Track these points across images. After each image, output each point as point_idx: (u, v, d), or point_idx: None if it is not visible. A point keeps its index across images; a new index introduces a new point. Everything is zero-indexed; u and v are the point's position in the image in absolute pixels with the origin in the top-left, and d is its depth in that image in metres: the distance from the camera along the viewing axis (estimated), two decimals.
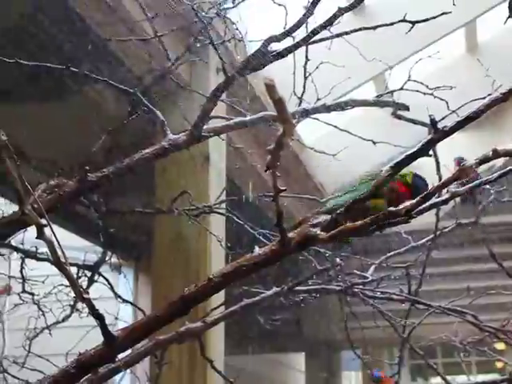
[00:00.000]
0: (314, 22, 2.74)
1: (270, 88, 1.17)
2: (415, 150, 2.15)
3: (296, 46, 2.58)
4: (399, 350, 4.41)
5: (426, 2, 3.12)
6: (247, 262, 2.17)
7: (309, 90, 3.55)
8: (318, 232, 2.07)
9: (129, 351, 3.02)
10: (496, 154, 1.69)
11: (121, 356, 2.99)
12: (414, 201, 1.93)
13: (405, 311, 4.23)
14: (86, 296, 2.04)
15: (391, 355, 10.86)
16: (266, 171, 1.53)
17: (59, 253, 1.84)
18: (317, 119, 3.37)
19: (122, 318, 4.84)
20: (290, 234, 2.12)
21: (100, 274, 4.14)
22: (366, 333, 4.72)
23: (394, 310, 4.38)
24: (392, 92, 3.22)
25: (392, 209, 1.92)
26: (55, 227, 1.85)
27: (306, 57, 3.23)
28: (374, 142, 3.50)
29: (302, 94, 3.22)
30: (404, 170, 2.38)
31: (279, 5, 3.10)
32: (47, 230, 1.78)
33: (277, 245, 2.14)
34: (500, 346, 5.84)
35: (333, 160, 4.17)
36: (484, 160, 1.72)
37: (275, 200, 1.90)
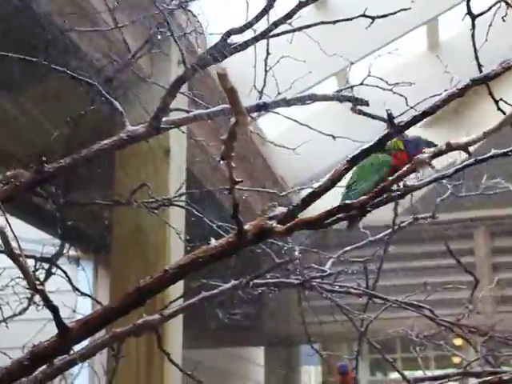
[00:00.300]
0: (275, 15, 2.75)
1: (222, 77, 1.17)
2: (371, 143, 2.17)
3: (256, 38, 2.58)
4: (357, 344, 4.44)
5: None
6: (203, 253, 2.18)
7: (270, 84, 3.56)
8: (275, 224, 2.08)
9: (85, 343, 3.01)
10: (449, 148, 1.71)
11: (77, 349, 2.99)
12: (370, 194, 1.95)
13: (362, 305, 4.26)
14: (39, 287, 2.03)
15: (350, 350, 10.92)
16: (219, 162, 1.53)
17: (13, 244, 1.82)
18: (277, 113, 3.37)
19: (81, 311, 4.80)
20: (247, 226, 2.12)
21: (58, 267, 4.11)
22: (325, 327, 4.74)
23: (352, 305, 4.41)
24: (352, 87, 3.24)
25: (347, 202, 1.93)
26: (13, 219, 1.84)
27: (267, 50, 3.24)
28: (334, 137, 3.51)
29: (263, 88, 3.23)
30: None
31: None
32: (0, 220, 1.76)
33: (233, 237, 2.15)
34: (458, 341, 5.90)
35: (293, 154, 4.18)
36: (438, 153, 1.74)
37: (231, 192, 1.91)
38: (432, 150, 1.76)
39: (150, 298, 2.29)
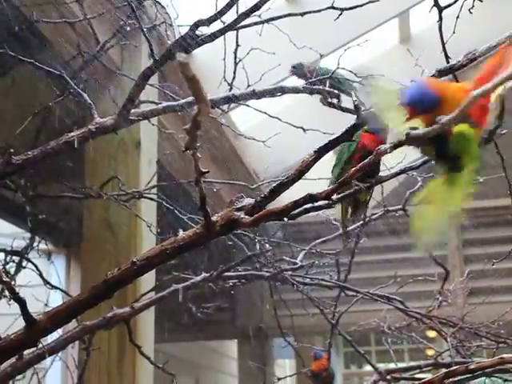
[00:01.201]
0: (245, 6, 2.75)
1: (184, 66, 1.16)
2: (339, 134, 2.18)
3: (224, 30, 2.58)
4: (328, 337, 4.46)
5: None
6: (171, 245, 2.17)
7: (240, 76, 3.56)
8: (242, 215, 2.08)
9: (55, 337, 3.00)
10: (409, 138, 1.72)
11: (47, 342, 2.97)
12: (334, 185, 1.95)
13: (335, 298, 4.28)
14: (5, 279, 2.02)
15: (325, 342, 10.94)
16: (184, 152, 1.52)
17: None
18: (247, 105, 3.37)
19: (53, 304, 4.77)
20: (214, 218, 2.12)
21: (28, 260, 4.08)
22: (298, 320, 4.76)
23: (324, 298, 4.43)
24: (321, 80, 3.24)
25: (312, 192, 1.93)
26: None
27: (237, 42, 3.23)
28: (304, 130, 3.52)
29: (233, 80, 3.22)
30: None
31: None
32: None
33: (201, 228, 2.14)
34: (431, 333, 5.94)
35: (266, 147, 4.18)
36: (398, 144, 1.74)
37: (198, 183, 1.90)
38: (393, 141, 1.76)
39: (117, 290, 2.28)
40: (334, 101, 3.23)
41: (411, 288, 4.78)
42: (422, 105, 1.94)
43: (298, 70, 3.68)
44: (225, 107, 3.44)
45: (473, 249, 7.59)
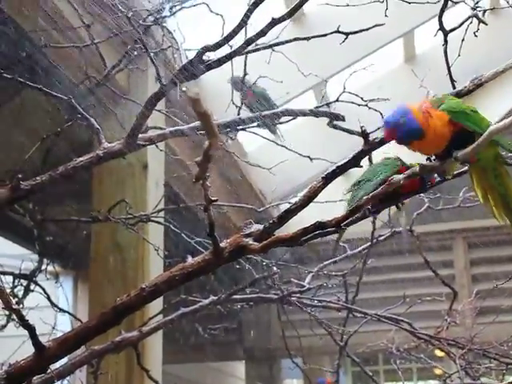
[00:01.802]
0: (253, 30, 2.76)
1: (196, 101, 1.17)
2: (346, 161, 2.19)
3: (230, 55, 2.59)
4: (337, 358, 4.45)
5: (366, 12, 3.16)
6: (180, 271, 2.17)
7: None
8: (250, 242, 2.09)
9: (64, 361, 3.00)
10: (423, 170, 1.73)
11: (56, 366, 2.97)
12: (343, 213, 1.96)
13: (343, 319, 4.28)
14: (15, 306, 2.02)
15: (333, 363, 10.87)
16: (194, 183, 1.53)
17: None
18: (253, 133, 3.38)
19: (61, 327, 4.77)
20: (223, 244, 2.13)
21: (36, 283, 4.09)
22: (306, 341, 4.75)
23: (332, 318, 4.42)
24: (328, 104, 3.25)
25: (322, 220, 1.94)
26: None
27: (244, 70, 3.25)
28: (311, 159, 3.54)
29: (240, 106, 3.24)
30: None
31: (216, 14, 3.11)
32: None
33: (209, 254, 2.15)
34: (440, 353, 5.91)
35: (273, 168, 4.19)
36: (412, 175, 1.76)
37: (207, 211, 1.91)
38: (407, 171, 1.78)
39: (126, 317, 2.29)
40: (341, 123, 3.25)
41: (419, 308, 4.77)
42: (404, 132, 2.01)
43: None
44: (233, 134, 3.45)
45: (481, 268, 7.57)
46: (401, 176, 1.78)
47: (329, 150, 4.05)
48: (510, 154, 2.14)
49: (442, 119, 2.01)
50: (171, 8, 3.13)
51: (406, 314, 4.28)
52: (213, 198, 1.82)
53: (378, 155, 2.54)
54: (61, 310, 4.08)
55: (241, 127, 3.14)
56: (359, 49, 5.94)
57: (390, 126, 2.10)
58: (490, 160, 2.04)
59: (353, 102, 3.26)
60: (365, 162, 2.34)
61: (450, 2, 2.71)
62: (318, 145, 5.68)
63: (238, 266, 3.71)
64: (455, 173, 2.29)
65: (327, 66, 5.69)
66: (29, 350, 2.19)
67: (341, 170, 2.18)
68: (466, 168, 2.19)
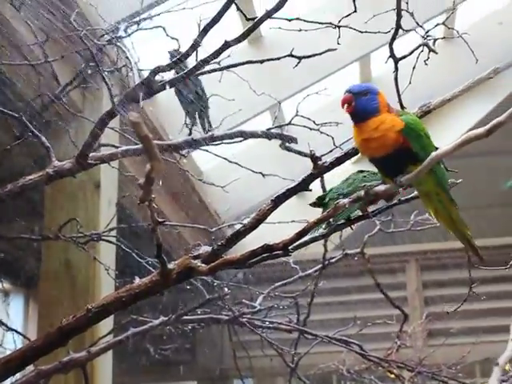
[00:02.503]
0: (205, 53, 2.77)
1: (136, 125, 1.17)
2: (295, 184, 2.20)
3: (183, 76, 2.60)
4: (288, 380, 4.44)
5: (324, 36, 3.18)
6: (127, 292, 2.16)
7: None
8: (199, 264, 2.09)
9: (8, 382, 2.95)
10: (367, 195, 1.75)
11: None
12: (291, 236, 1.97)
13: (294, 340, 4.28)
14: None
15: None
16: (139, 204, 1.53)
17: None
18: (206, 151, 3.38)
19: (10, 345, 4.70)
20: (171, 265, 2.12)
21: None
22: (261, 361, 4.74)
23: (284, 339, 4.42)
24: (280, 126, 3.27)
25: (269, 243, 1.95)
26: None
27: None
28: (263, 175, 3.55)
29: (192, 126, 3.24)
30: None
31: (172, 38, 3.12)
32: None
33: (157, 276, 2.14)
34: (392, 374, 5.94)
35: (228, 188, 4.19)
36: (357, 199, 1.78)
37: (154, 232, 1.91)
38: (352, 196, 1.80)
39: (72, 338, 2.27)
40: (293, 145, 3.26)
41: (371, 330, 4.79)
42: (362, 103, 2.04)
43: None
44: (185, 152, 3.45)
45: (433, 290, 7.63)
46: (346, 200, 1.80)
47: (284, 169, 4.06)
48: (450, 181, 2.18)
49: (396, 124, 2.03)
50: (126, 28, 3.13)
51: (359, 336, 4.31)
52: (160, 220, 1.82)
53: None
54: (9, 328, 4.01)
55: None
56: (316, 72, 5.99)
57: (352, 93, 2.12)
58: (431, 186, 2.07)
59: (305, 126, 3.28)
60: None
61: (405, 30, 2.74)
62: (274, 163, 5.69)
63: (188, 287, 3.70)
64: (403, 198, 2.32)
65: (283, 87, 5.72)
66: None
67: (290, 193, 2.19)
68: (414, 194, 2.23)
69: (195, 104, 3.50)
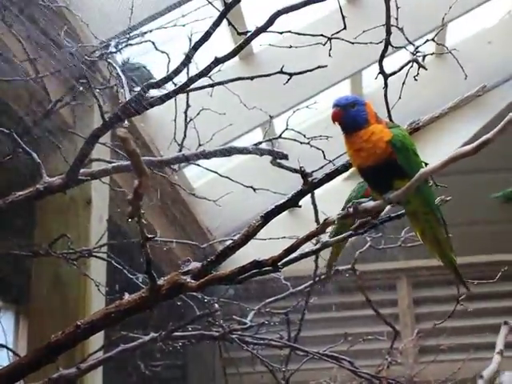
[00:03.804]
0: (196, 69, 2.77)
1: (125, 140, 1.18)
2: (285, 200, 2.21)
3: (173, 92, 2.60)
4: None
5: (316, 53, 3.20)
6: (116, 309, 2.16)
7: (193, 134, 3.59)
8: (188, 280, 2.09)
9: None
10: (355, 211, 1.76)
11: None
12: (281, 252, 1.97)
13: (285, 357, 4.26)
14: None
15: None
16: (127, 221, 1.53)
17: None
18: (198, 165, 3.39)
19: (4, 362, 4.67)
20: (160, 282, 2.12)
21: None
22: (252, 378, 4.73)
23: (275, 355, 4.41)
24: (271, 140, 3.28)
25: (259, 259, 1.95)
26: None
27: (187, 103, 3.27)
28: (254, 189, 3.56)
29: (183, 140, 3.25)
30: None
31: (162, 52, 3.13)
32: None
33: (146, 292, 2.14)
34: None
35: (220, 203, 4.20)
36: (345, 216, 1.78)
37: (143, 248, 1.91)
38: (341, 212, 1.81)
39: (61, 354, 2.26)
40: (284, 162, 3.27)
41: (363, 346, 4.79)
42: (351, 116, 2.06)
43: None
44: (176, 166, 3.46)
45: (424, 307, 7.64)
46: (334, 216, 1.81)
47: (279, 184, 4.06)
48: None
49: (385, 134, 2.05)
50: (117, 44, 3.14)
51: (351, 352, 4.30)
52: (149, 236, 1.82)
53: None
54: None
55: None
56: (307, 88, 6.00)
57: (340, 106, 2.14)
58: (418, 204, 2.08)
59: (295, 140, 3.30)
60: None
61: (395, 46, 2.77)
62: (269, 178, 5.70)
63: (179, 303, 3.69)
64: (394, 214, 2.33)
65: (274, 104, 5.73)
66: None
67: (280, 210, 2.20)
68: (401, 212, 2.23)
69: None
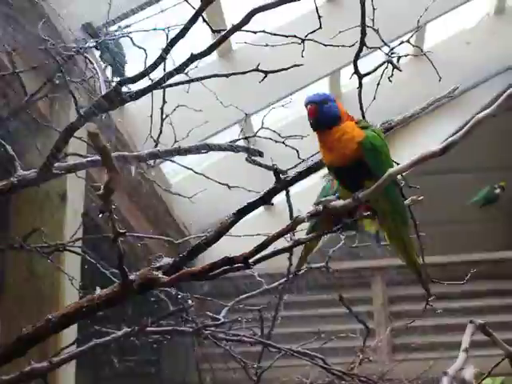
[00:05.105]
0: (173, 64, 2.78)
1: (94, 136, 1.19)
2: (257, 198, 2.23)
3: (149, 88, 2.61)
4: None
5: (294, 51, 3.21)
6: (88, 303, 2.17)
7: (170, 132, 3.59)
8: (160, 275, 2.10)
9: None
10: (326, 210, 1.78)
11: None
12: (251, 249, 1.99)
13: (258, 353, 4.28)
14: None
15: None
16: (99, 215, 1.54)
17: None
18: (172, 161, 3.39)
19: None
20: (132, 276, 2.13)
21: None
22: (225, 374, 4.73)
23: (249, 352, 4.42)
24: (246, 138, 3.29)
25: (230, 255, 1.97)
26: None
27: (163, 99, 3.27)
28: (229, 187, 3.57)
29: (158, 136, 3.25)
30: None
31: (139, 47, 3.13)
32: None
33: (118, 287, 2.15)
34: None
35: (197, 199, 4.20)
36: (315, 214, 1.80)
37: (115, 242, 1.92)
38: (311, 210, 1.83)
39: (32, 347, 2.27)
40: (259, 159, 3.28)
41: (336, 343, 4.81)
42: (325, 112, 2.08)
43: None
44: (151, 162, 3.46)
45: (398, 305, 7.68)
46: (304, 215, 1.83)
47: (259, 182, 4.07)
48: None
49: (356, 135, 2.07)
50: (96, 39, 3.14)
51: (324, 350, 4.31)
52: (121, 231, 1.83)
53: None
54: None
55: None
56: (285, 86, 6.02)
57: (315, 103, 2.15)
58: (385, 204, 2.10)
59: (270, 139, 3.31)
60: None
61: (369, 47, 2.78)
62: (241, 177, 5.71)
63: (153, 299, 3.70)
64: (370, 213, 2.35)
65: (252, 101, 5.74)
66: None
67: (252, 207, 2.22)
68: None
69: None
